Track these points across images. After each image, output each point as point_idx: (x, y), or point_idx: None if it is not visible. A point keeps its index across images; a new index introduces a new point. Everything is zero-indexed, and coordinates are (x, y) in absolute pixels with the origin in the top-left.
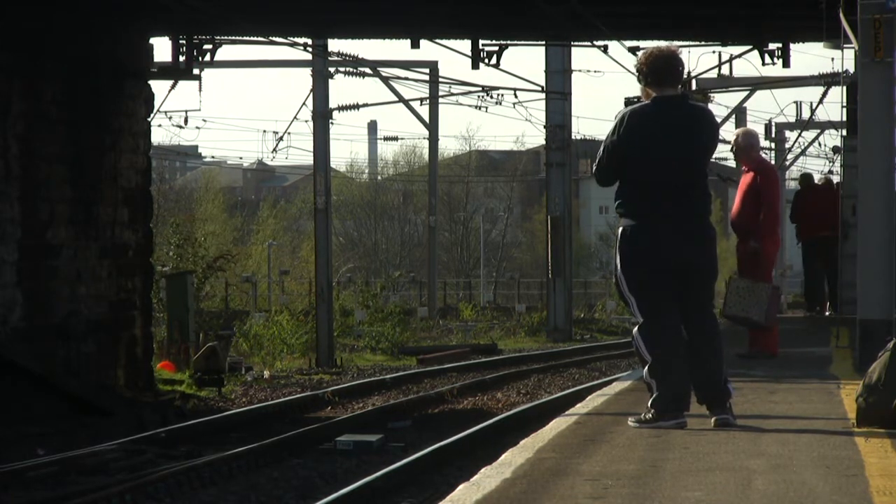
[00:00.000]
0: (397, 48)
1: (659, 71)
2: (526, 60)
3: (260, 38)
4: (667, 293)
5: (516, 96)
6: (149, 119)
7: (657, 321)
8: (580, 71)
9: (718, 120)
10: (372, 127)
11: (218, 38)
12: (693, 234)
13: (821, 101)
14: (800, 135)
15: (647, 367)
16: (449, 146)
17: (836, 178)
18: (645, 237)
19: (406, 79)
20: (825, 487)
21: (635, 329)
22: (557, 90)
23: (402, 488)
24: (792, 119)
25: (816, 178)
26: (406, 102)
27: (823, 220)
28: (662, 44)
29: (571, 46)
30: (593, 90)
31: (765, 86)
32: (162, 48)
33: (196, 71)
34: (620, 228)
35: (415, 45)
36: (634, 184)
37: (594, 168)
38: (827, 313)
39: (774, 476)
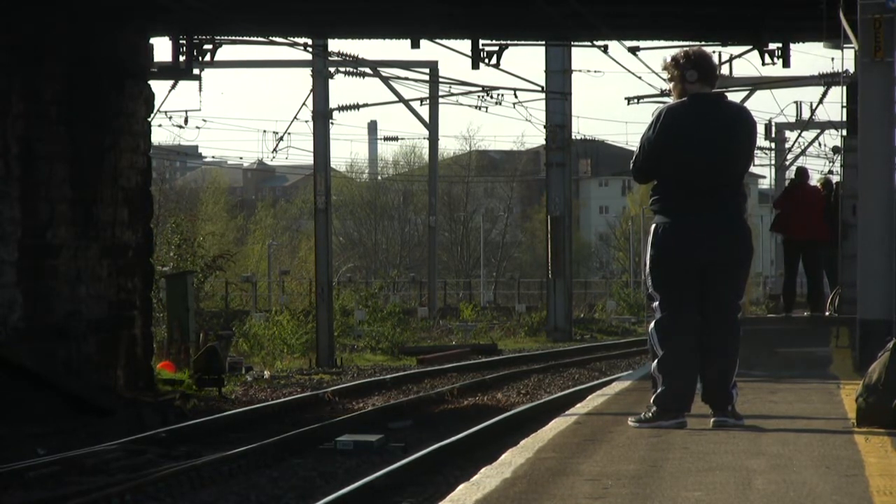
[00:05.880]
0: (397, 48)
1: (703, 70)
2: (526, 60)
3: (260, 38)
4: (690, 292)
5: (516, 96)
6: (149, 119)
7: (675, 317)
8: (580, 71)
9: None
10: (372, 127)
11: (218, 38)
12: (722, 233)
13: (821, 101)
14: (800, 135)
15: (656, 361)
16: (449, 146)
17: (835, 178)
18: (673, 235)
19: (406, 79)
20: (825, 487)
21: (652, 324)
22: (557, 90)
23: (402, 488)
24: (792, 119)
25: (816, 178)
26: (406, 102)
27: (808, 223)
28: (660, 44)
29: (571, 46)
30: (593, 90)
31: (765, 86)
32: (162, 48)
33: (196, 71)
34: (653, 225)
35: (415, 45)
36: (668, 181)
37: (631, 166)
38: (827, 313)
39: (774, 476)
